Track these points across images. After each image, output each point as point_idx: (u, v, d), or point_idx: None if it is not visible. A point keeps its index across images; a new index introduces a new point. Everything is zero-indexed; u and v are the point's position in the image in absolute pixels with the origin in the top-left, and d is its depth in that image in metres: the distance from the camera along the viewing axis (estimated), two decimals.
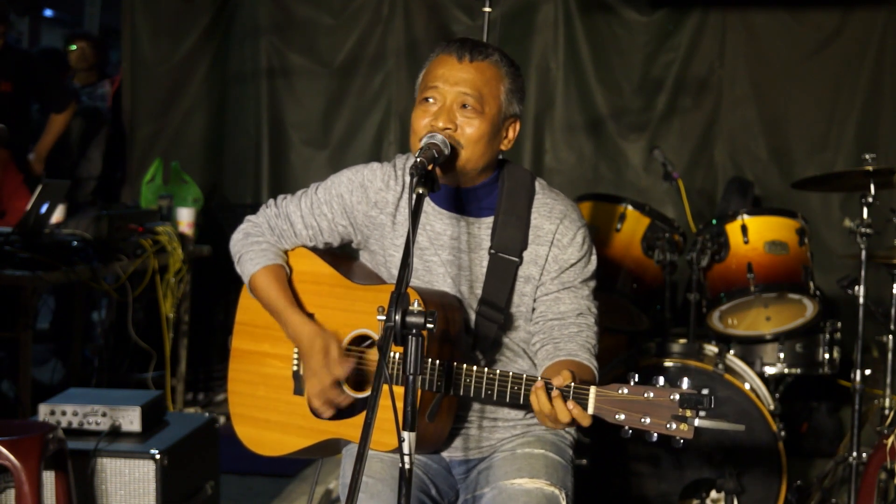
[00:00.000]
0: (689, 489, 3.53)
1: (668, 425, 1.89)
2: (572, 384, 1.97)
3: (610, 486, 3.58)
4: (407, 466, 1.82)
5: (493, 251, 2.29)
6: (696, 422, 1.88)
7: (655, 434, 1.90)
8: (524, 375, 2.07)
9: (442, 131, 2.19)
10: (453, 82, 2.22)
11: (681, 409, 1.88)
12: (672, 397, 1.89)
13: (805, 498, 3.71)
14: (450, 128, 2.20)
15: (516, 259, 2.28)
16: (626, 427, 1.92)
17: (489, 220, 2.32)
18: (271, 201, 2.48)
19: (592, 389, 1.96)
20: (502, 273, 2.28)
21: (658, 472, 3.52)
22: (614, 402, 1.94)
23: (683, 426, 1.88)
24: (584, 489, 2.31)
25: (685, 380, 1.90)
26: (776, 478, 3.47)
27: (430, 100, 2.23)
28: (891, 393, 3.76)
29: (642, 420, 1.90)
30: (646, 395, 1.91)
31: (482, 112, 2.22)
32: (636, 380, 1.93)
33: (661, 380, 1.91)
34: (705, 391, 1.88)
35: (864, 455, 3.44)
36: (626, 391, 1.93)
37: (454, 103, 2.21)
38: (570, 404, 1.96)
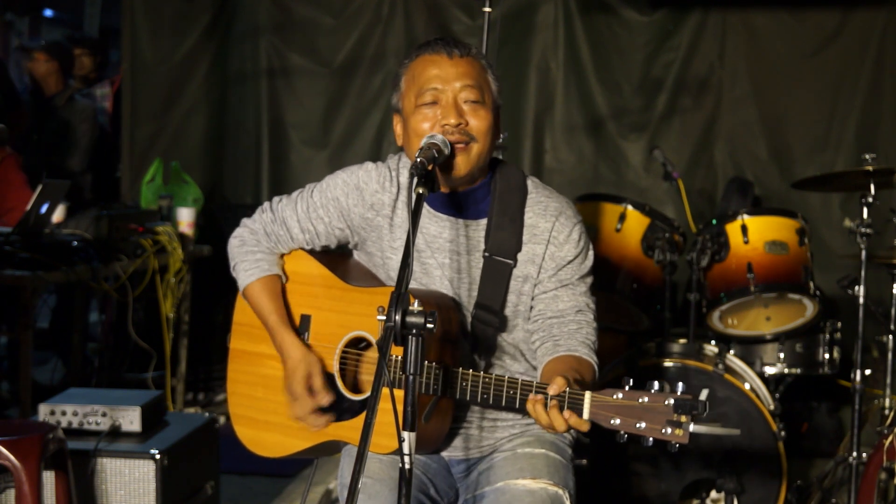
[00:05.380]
0: (689, 489, 3.54)
1: (662, 430, 1.88)
2: (567, 390, 1.97)
3: (610, 486, 3.58)
4: (407, 466, 1.81)
5: (486, 254, 2.28)
6: (691, 427, 1.87)
7: (651, 438, 1.90)
8: (520, 380, 2.07)
9: (455, 128, 2.18)
10: (453, 78, 2.21)
11: (675, 415, 1.87)
12: (666, 402, 1.88)
13: (805, 498, 3.71)
14: (462, 122, 2.19)
15: (510, 262, 2.28)
16: (622, 432, 1.92)
17: (485, 221, 2.31)
18: (267, 205, 2.48)
19: (587, 395, 1.95)
20: (497, 276, 2.28)
21: (658, 472, 3.52)
22: (609, 407, 1.93)
23: (678, 431, 1.87)
24: (584, 489, 2.31)
25: (680, 384, 1.90)
26: (776, 478, 3.47)
27: (432, 102, 2.21)
28: (891, 393, 3.76)
29: (637, 425, 1.90)
30: (640, 400, 1.90)
31: (484, 102, 2.23)
32: (631, 385, 1.93)
33: (656, 385, 1.91)
34: (702, 396, 1.87)
35: (864, 455, 3.44)
36: (620, 396, 1.92)
37: (458, 98, 2.21)
38: (567, 413, 1.95)
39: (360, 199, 2.36)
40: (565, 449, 2.37)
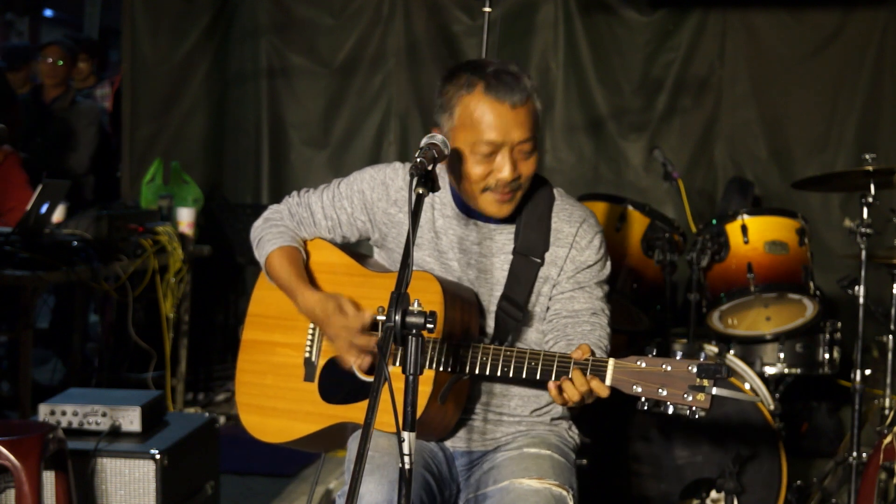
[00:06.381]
0: (689, 489, 3.53)
1: (684, 395, 1.94)
2: (590, 357, 2.04)
3: (610, 486, 3.58)
4: (407, 467, 1.82)
5: (517, 252, 2.35)
6: (714, 390, 1.94)
7: (672, 405, 1.95)
8: (542, 351, 2.12)
9: (508, 182, 2.24)
10: (513, 129, 2.24)
11: (698, 379, 1.94)
12: (690, 368, 1.95)
13: (805, 498, 3.71)
14: (517, 176, 2.26)
15: (538, 260, 2.35)
16: (643, 399, 1.97)
17: (511, 226, 2.38)
18: (294, 192, 2.57)
19: (611, 361, 2.02)
20: (524, 273, 2.35)
21: (658, 472, 3.52)
22: (632, 373, 2.00)
23: (700, 396, 1.94)
24: (584, 489, 2.32)
25: (703, 354, 1.95)
26: (776, 478, 3.47)
27: (489, 153, 2.24)
28: (891, 393, 3.76)
29: (659, 391, 1.96)
30: (664, 367, 1.97)
31: (535, 149, 2.28)
32: (654, 353, 2.00)
33: (679, 354, 1.97)
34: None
35: (864, 455, 3.44)
36: (643, 364, 1.99)
37: (514, 151, 2.25)
38: (589, 376, 2.02)
39: (384, 193, 2.43)
40: (569, 452, 2.41)
